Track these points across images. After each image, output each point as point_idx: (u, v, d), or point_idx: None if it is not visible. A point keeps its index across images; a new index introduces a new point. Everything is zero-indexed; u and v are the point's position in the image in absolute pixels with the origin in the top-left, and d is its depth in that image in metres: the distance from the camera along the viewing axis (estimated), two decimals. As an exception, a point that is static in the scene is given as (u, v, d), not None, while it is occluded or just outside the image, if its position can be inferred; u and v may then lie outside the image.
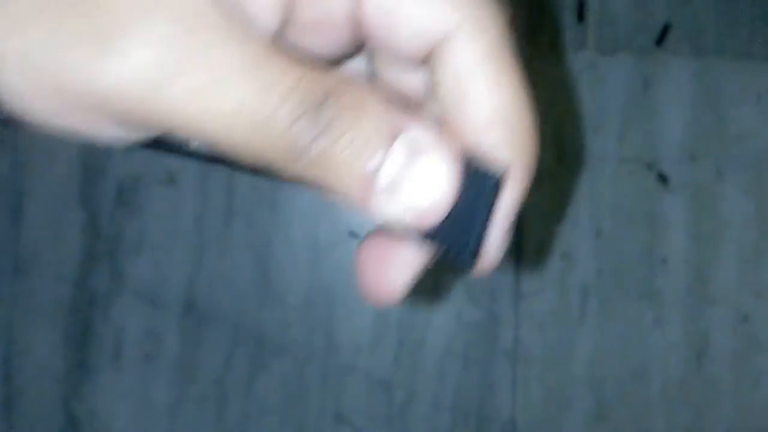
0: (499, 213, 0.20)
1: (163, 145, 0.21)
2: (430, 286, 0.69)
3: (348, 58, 0.23)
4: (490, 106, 0.20)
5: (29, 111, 0.17)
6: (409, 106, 0.21)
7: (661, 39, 0.69)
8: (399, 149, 0.18)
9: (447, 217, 0.19)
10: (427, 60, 0.21)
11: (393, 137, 0.18)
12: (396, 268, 0.21)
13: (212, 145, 0.18)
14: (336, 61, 0.23)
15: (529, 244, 0.68)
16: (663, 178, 0.68)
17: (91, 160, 0.70)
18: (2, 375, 0.69)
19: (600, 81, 0.69)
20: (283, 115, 0.17)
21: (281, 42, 0.20)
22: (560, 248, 0.68)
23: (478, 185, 0.19)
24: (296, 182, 0.19)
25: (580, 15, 0.69)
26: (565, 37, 0.70)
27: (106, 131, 0.18)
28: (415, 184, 0.18)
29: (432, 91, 0.21)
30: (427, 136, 0.18)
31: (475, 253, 0.20)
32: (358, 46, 0.22)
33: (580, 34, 0.70)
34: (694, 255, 0.67)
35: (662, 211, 0.68)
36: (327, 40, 0.21)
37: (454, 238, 0.20)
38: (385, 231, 0.21)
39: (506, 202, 0.20)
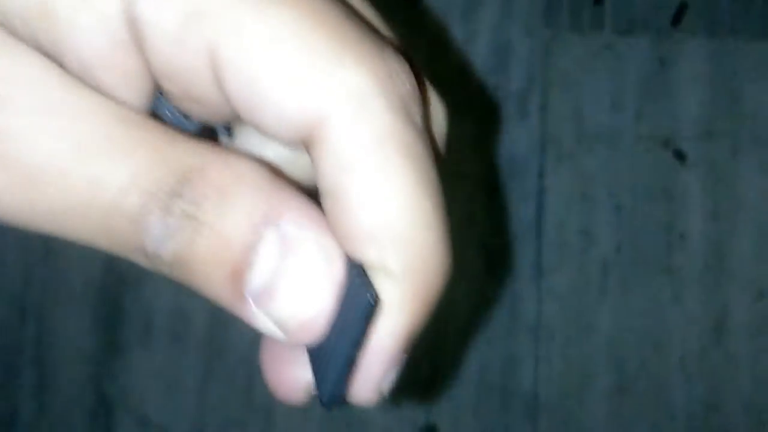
0: (374, 347, 0.16)
1: None
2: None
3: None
4: (373, 212, 0.15)
5: None
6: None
7: (677, 19, 0.70)
8: (268, 244, 0.15)
9: (322, 338, 0.15)
10: (307, 144, 0.16)
11: (263, 225, 0.15)
12: (299, 367, 0.18)
13: (60, 237, 0.15)
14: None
15: (549, 220, 0.69)
16: (680, 155, 0.69)
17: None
18: (34, 356, 0.70)
19: (617, 61, 0.70)
20: (127, 209, 0.14)
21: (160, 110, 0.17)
22: (580, 224, 0.69)
23: (354, 303, 0.15)
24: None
25: (598, -3, 0.71)
26: (583, 18, 0.71)
27: None
28: (289, 290, 0.15)
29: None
30: (305, 226, 0.15)
31: (335, 391, 0.16)
32: None
33: (597, 14, 0.71)
34: (712, 231, 0.69)
35: (680, 188, 0.69)
36: (208, 112, 0.17)
37: (319, 366, 0.16)
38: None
39: (384, 334, 0.16)
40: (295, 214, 0.15)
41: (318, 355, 0.16)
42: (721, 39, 0.70)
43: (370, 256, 0.15)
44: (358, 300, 0.15)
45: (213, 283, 0.15)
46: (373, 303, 0.15)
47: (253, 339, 0.66)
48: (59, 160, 0.14)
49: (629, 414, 0.68)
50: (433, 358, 0.69)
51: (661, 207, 0.69)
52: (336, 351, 0.15)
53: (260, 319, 0.15)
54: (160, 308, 0.70)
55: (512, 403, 0.69)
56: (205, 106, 0.16)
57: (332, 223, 0.16)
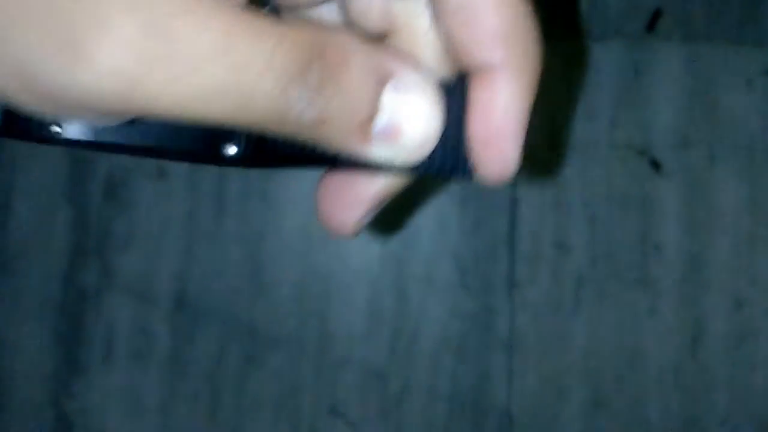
0: (504, 118, 0.21)
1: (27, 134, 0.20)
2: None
3: (319, 3, 0.23)
4: (497, 19, 0.20)
5: (22, 107, 0.18)
6: (380, 42, 0.22)
7: (651, 25, 0.69)
8: (388, 95, 0.19)
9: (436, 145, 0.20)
10: None
11: (380, 84, 0.19)
12: (353, 203, 0.22)
13: (202, 123, 0.18)
14: (312, 6, 0.22)
15: (522, 232, 0.68)
16: (656, 165, 0.68)
17: (79, 154, 0.69)
18: (-9, 375, 0.68)
19: (591, 67, 0.69)
20: (267, 87, 0.17)
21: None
22: (554, 236, 0.68)
23: (454, 105, 0.20)
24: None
25: (572, 1, 0.69)
26: (556, 24, 0.69)
27: (95, 119, 0.19)
28: (406, 125, 0.19)
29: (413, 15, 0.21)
30: (411, 76, 0.19)
31: (469, 167, 0.21)
32: None
33: (571, 20, 0.69)
34: (688, 241, 0.67)
35: (655, 198, 0.68)
36: None
37: (446, 160, 0.21)
38: (345, 168, 0.22)
39: (514, 105, 0.21)
40: (398, 68, 0.19)
41: (438, 155, 0.20)
42: (697, 45, 0.69)
43: (495, 55, 0.20)
44: (458, 98, 0.20)
45: (344, 135, 0.18)
46: (465, 90, 0.20)
47: (217, 356, 0.64)
48: (210, 51, 0.16)
49: (605, 429, 0.66)
50: (404, 374, 0.67)
51: (636, 217, 0.68)
52: (455, 140, 0.21)
53: (380, 153, 0.19)
54: (122, 325, 0.68)
55: (485, 419, 0.67)
56: None
57: (456, 37, 0.20)
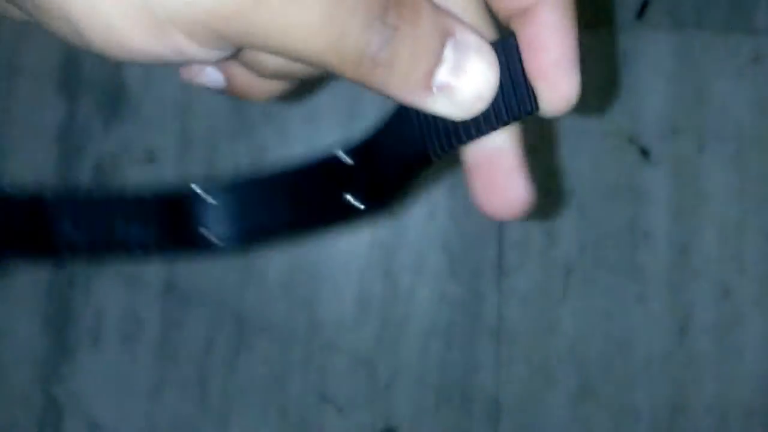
0: (561, 42, 0.22)
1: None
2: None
3: None
4: None
5: (119, 43, 0.19)
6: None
7: (641, 13, 0.69)
8: (449, 50, 0.21)
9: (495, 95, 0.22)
10: None
11: (444, 40, 0.20)
12: (507, 179, 0.24)
13: (287, 58, 0.20)
14: None
15: (511, 220, 0.68)
16: (644, 152, 0.68)
17: (68, 138, 0.69)
18: (-19, 359, 0.68)
19: (581, 55, 0.69)
20: (354, 27, 0.19)
21: None
22: (542, 224, 0.68)
23: (507, 54, 0.22)
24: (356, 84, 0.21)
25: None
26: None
27: (190, 54, 0.19)
28: (464, 81, 0.21)
29: None
30: (469, 36, 0.21)
31: (533, 100, 0.22)
32: None
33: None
34: (677, 229, 0.67)
35: (644, 186, 0.68)
36: None
37: (508, 103, 0.22)
38: (477, 161, 0.23)
39: (562, 31, 0.22)
40: (458, 28, 0.21)
41: (499, 102, 0.22)
42: (686, 33, 0.69)
43: None
44: (510, 47, 0.22)
45: (408, 82, 0.20)
46: (516, 40, 0.22)
47: (206, 341, 0.64)
48: None
49: (593, 417, 0.67)
50: (392, 361, 0.67)
51: (624, 205, 0.68)
52: (514, 83, 0.22)
53: (440, 103, 0.21)
54: (111, 309, 0.68)
55: (473, 407, 0.67)
56: None
57: None
